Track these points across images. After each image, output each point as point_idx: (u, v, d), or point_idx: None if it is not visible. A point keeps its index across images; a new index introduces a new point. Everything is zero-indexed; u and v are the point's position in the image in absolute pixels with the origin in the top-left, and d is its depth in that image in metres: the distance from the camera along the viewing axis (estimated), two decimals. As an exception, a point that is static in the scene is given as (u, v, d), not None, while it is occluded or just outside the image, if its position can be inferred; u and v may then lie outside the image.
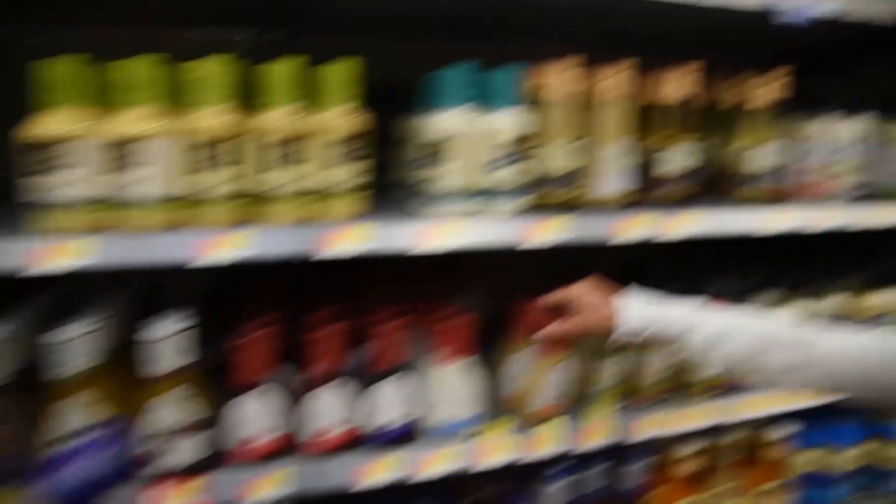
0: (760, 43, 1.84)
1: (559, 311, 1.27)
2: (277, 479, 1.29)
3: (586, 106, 1.40)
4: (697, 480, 1.76)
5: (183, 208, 1.14)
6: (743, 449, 1.84)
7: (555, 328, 1.26)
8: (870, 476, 1.97)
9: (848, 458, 1.93)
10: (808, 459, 1.91)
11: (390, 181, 1.51)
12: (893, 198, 1.70)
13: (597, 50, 1.46)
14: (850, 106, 1.69)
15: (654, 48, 1.58)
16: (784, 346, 1.12)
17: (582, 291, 1.25)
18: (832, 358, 1.10)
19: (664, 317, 1.20)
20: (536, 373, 1.47)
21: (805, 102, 1.65)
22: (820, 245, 1.88)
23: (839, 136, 1.67)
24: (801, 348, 1.11)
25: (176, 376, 1.21)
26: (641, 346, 1.55)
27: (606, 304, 1.23)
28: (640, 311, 1.21)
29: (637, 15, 1.53)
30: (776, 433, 1.81)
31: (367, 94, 1.26)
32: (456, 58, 1.30)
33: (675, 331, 1.20)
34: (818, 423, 2.03)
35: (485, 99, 1.31)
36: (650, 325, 1.20)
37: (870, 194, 1.72)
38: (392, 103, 1.42)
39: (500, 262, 1.60)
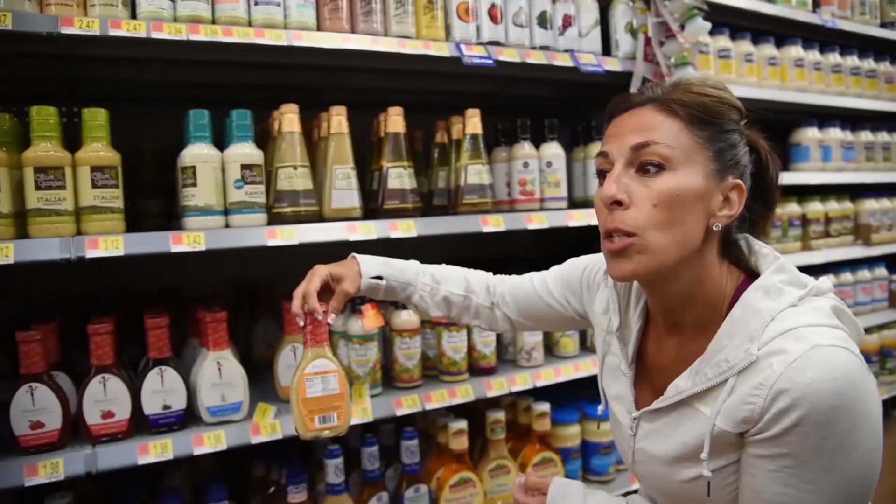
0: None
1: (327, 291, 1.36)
2: (63, 463, 1.47)
3: (312, 139, 1.79)
4: (470, 456, 2.02)
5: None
6: (511, 425, 2.14)
7: (338, 296, 1.33)
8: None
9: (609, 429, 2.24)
10: (574, 432, 2.23)
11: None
12: (585, 205, 2.17)
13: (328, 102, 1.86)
14: (550, 135, 2.17)
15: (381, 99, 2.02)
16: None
17: (330, 267, 1.36)
18: None
19: (395, 264, 1.45)
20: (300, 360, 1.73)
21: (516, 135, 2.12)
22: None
23: (542, 157, 2.13)
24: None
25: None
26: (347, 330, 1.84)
27: (347, 264, 1.39)
28: (373, 261, 1.41)
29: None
30: (539, 409, 2.11)
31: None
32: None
33: (408, 275, 1.44)
34: (575, 398, 2.37)
35: (225, 134, 1.68)
36: (385, 269, 1.40)
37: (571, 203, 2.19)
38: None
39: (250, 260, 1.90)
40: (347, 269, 1.38)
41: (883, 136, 3.43)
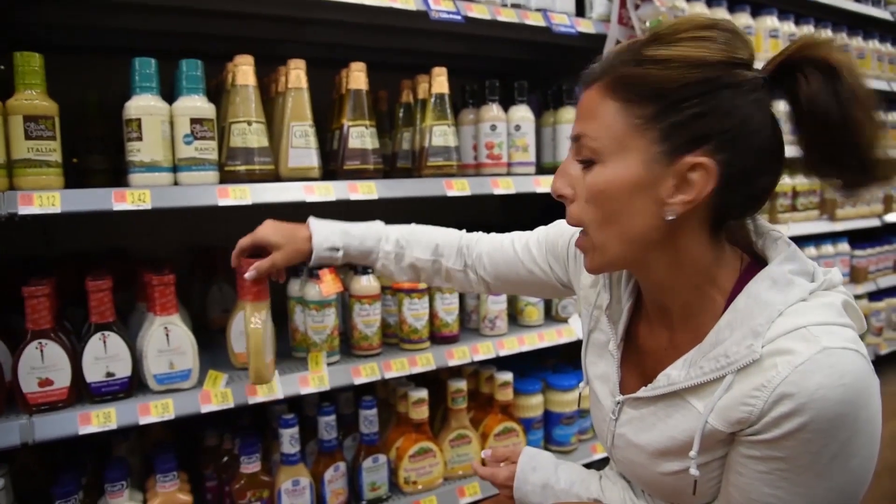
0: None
1: (260, 253, 1.36)
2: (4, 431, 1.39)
3: (269, 95, 1.69)
4: (430, 425, 1.99)
5: None
6: (473, 395, 2.11)
7: (262, 262, 1.34)
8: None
9: (572, 399, 2.23)
10: (536, 402, 2.20)
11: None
12: (553, 171, 2.10)
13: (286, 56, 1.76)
14: (520, 98, 2.10)
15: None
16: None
17: (268, 230, 1.34)
18: None
19: (355, 232, 1.36)
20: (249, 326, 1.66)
21: (484, 96, 2.05)
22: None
23: (511, 121, 2.06)
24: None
25: None
26: (304, 295, 1.76)
27: (298, 231, 1.33)
28: (330, 229, 1.33)
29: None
30: (501, 378, 2.08)
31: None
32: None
33: (369, 242, 1.36)
34: (538, 367, 2.35)
35: (175, 87, 1.57)
36: (343, 239, 1.33)
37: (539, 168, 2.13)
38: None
39: (204, 221, 1.83)
40: (290, 239, 1.32)
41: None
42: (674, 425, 0.90)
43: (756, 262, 0.89)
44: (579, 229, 0.93)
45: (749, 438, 0.81)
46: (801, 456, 0.77)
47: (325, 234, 1.33)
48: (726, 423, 0.82)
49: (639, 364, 1.01)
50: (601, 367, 1.06)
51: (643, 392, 0.94)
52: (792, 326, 0.79)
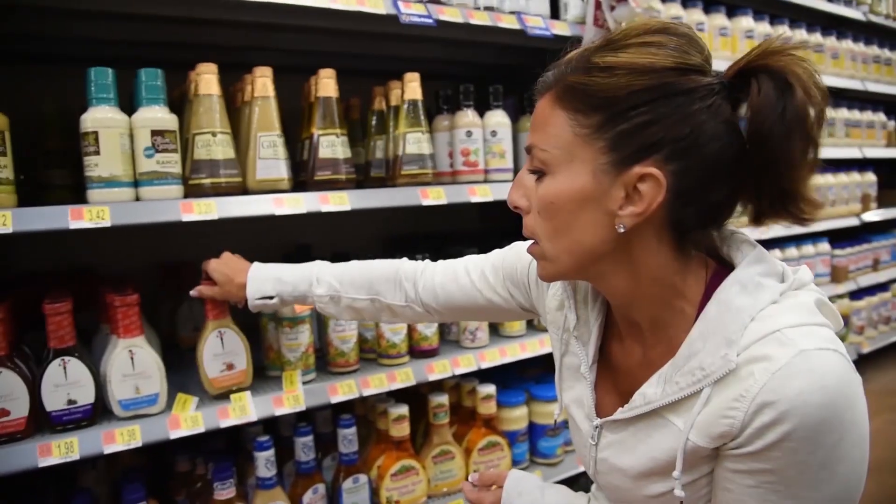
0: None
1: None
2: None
3: (235, 104, 1.62)
4: (412, 442, 1.92)
5: None
6: (455, 409, 2.05)
7: (204, 289, 1.50)
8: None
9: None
10: (520, 414, 2.15)
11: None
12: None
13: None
14: (495, 103, 2.05)
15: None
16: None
17: (216, 265, 1.48)
18: None
19: (288, 278, 1.38)
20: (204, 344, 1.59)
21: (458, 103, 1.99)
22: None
23: (486, 126, 2.01)
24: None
25: None
26: (278, 312, 1.73)
27: (237, 276, 1.43)
28: (265, 276, 1.40)
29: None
30: (483, 391, 2.02)
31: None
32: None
33: (302, 287, 1.38)
34: (521, 378, 2.30)
35: (134, 98, 1.50)
36: (276, 287, 1.38)
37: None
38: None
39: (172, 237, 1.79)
40: (227, 282, 1.44)
41: (828, 112, 3.43)
42: (655, 445, 0.86)
43: (723, 266, 0.86)
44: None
45: (733, 452, 0.77)
46: (789, 466, 0.74)
47: (259, 284, 1.39)
48: (708, 439, 0.79)
49: (615, 383, 0.97)
50: (576, 391, 1.02)
51: (620, 414, 0.90)
52: (766, 331, 0.76)
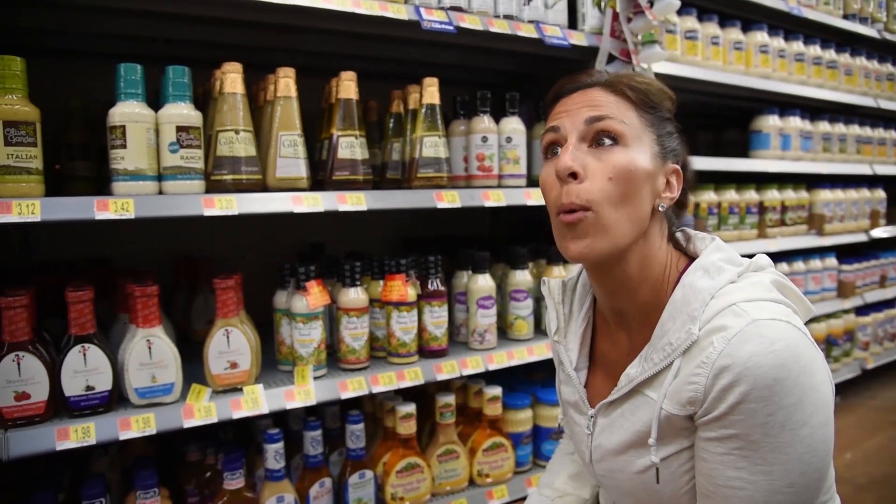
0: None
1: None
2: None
3: (258, 103, 1.66)
4: (418, 440, 1.95)
5: None
6: (461, 409, 2.08)
7: None
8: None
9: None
10: (525, 417, 2.17)
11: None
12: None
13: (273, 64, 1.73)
14: (511, 110, 2.08)
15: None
16: None
17: None
18: None
19: None
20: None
21: (475, 109, 2.03)
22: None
23: (502, 133, 2.04)
24: None
25: None
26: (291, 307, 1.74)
27: None
28: None
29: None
30: (490, 392, 2.04)
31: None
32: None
33: None
34: (527, 381, 2.32)
35: (161, 94, 1.53)
36: None
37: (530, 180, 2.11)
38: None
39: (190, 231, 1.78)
40: None
41: (840, 128, 3.45)
42: (637, 420, 0.95)
43: (692, 261, 0.99)
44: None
45: (703, 420, 0.86)
46: (752, 429, 0.81)
47: None
48: (678, 406, 0.88)
49: (608, 376, 1.05)
50: (571, 393, 1.11)
51: (611, 395, 0.99)
52: (723, 305, 0.87)
